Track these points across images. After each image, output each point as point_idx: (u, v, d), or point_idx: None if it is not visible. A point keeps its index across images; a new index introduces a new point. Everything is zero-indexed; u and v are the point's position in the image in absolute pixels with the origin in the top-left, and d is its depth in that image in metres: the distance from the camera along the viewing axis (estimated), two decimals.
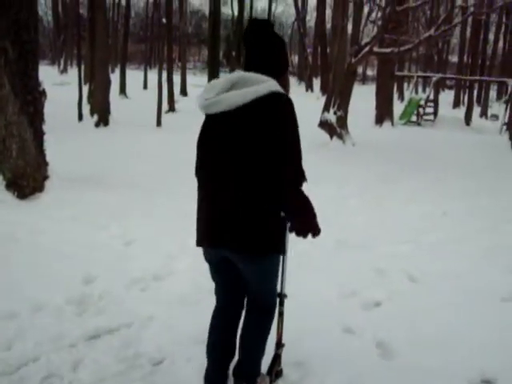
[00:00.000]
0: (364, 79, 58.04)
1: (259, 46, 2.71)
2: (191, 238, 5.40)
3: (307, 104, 22.85)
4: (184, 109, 20.73)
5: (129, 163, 10.03)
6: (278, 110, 2.57)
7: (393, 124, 20.33)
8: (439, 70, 37.47)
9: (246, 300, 3.02)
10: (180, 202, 7.04)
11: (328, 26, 43.01)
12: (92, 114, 15.47)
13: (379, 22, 14.13)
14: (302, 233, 2.68)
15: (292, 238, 2.85)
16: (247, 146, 2.56)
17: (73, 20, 37.36)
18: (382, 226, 6.77)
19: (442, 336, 3.83)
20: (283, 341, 3.19)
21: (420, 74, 36.03)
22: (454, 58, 45.06)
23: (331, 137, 13.99)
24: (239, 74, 2.68)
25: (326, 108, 14.28)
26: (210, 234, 2.72)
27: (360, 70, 53.03)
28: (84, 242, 5.49)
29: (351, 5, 15.35)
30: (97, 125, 14.98)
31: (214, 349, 2.99)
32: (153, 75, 24.69)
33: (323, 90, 35.54)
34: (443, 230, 6.72)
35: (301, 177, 2.61)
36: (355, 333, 3.88)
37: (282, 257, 2.86)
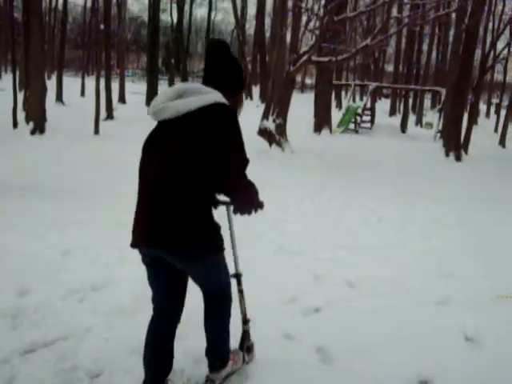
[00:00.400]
0: (303, 87, 58.78)
1: (217, 64, 2.89)
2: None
3: (246, 112, 22.89)
4: (122, 116, 20.49)
5: (66, 171, 9.84)
6: (221, 118, 2.67)
7: (331, 132, 20.66)
8: (376, 78, 38.35)
9: (182, 308, 3.07)
10: (119, 210, 6.94)
11: (267, 34, 43.41)
12: (27, 121, 15.07)
13: (317, 32, 14.32)
14: (245, 213, 2.88)
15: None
16: (188, 150, 2.66)
17: (6, 24, 36.35)
18: (321, 233, 6.85)
19: (380, 340, 3.89)
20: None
21: (357, 82, 36.74)
22: (390, 68, 46.11)
23: (270, 144, 14.09)
24: (186, 84, 2.84)
25: (265, 116, 14.39)
26: (147, 235, 2.75)
27: (299, 78, 53.66)
28: (19, 252, 5.34)
29: (290, 14, 15.51)
30: (32, 132, 14.60)
31: (151, 361, 2.99)
32: (90, 82, 24.31)
33: (262, 97, 35.78)
34: (380, 236, 6.86)
35: (244, 170, 2.74)
36: (295, 339, 3.90)
37: (223, 252, 2.90)
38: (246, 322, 3.39)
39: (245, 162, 2.72)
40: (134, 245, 2.85)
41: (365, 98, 29.56)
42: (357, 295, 4.84)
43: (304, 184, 10.16)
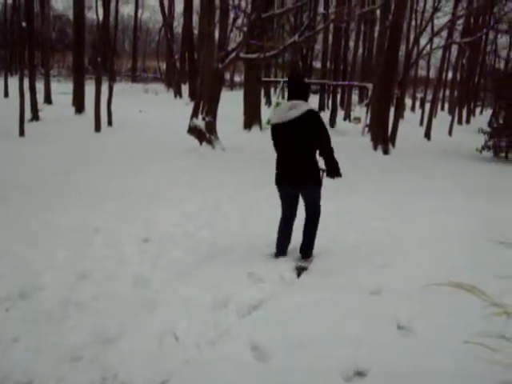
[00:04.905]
0: (232, 85, 58.69)
1: (296, 89, 5.36)
2: (58, 250, 5.22)
3: (176, 110, 22.73)
4: (49, 117, 19.95)
5: None
6: (313, 118, 5.23)
7: (261, 128, 20.69)
8: (304, 75, 38.67)
9: (297, 211, 5.75)
10: (46, 213, 6.75)
11: (195, 31, 43.13)
12: None
13: (245, 29, 14.34)
14: (332, 176, 5.48)
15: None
16: (301, 135, 5.22)
17: None
18: (254, 231, 6.82)
19: (315, 333, 3.91)
20: None
21: (286, 79, 36.93)
22: (318, 64, 46.62)
23: (200, 142, 14.02)
24: (292, 101, 5.25)
25: (195, 114, 14.29)
26: (290, 180, 5.48)
27: (228, 75, 53.57)
28: None
29: (218, 11, 15.48)
30: None
31: (282, 239, 5.71)
32: (14, 82, 23.51)
33: (191, 95, 35.53)
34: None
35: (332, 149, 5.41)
36: (231, 336, 3.88)
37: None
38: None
39: (329, 138, 5.35)
40: (280, 184, 5.58)
41: None
42: (292, 290, 4.87)
43: (235, 182, 10.14)
